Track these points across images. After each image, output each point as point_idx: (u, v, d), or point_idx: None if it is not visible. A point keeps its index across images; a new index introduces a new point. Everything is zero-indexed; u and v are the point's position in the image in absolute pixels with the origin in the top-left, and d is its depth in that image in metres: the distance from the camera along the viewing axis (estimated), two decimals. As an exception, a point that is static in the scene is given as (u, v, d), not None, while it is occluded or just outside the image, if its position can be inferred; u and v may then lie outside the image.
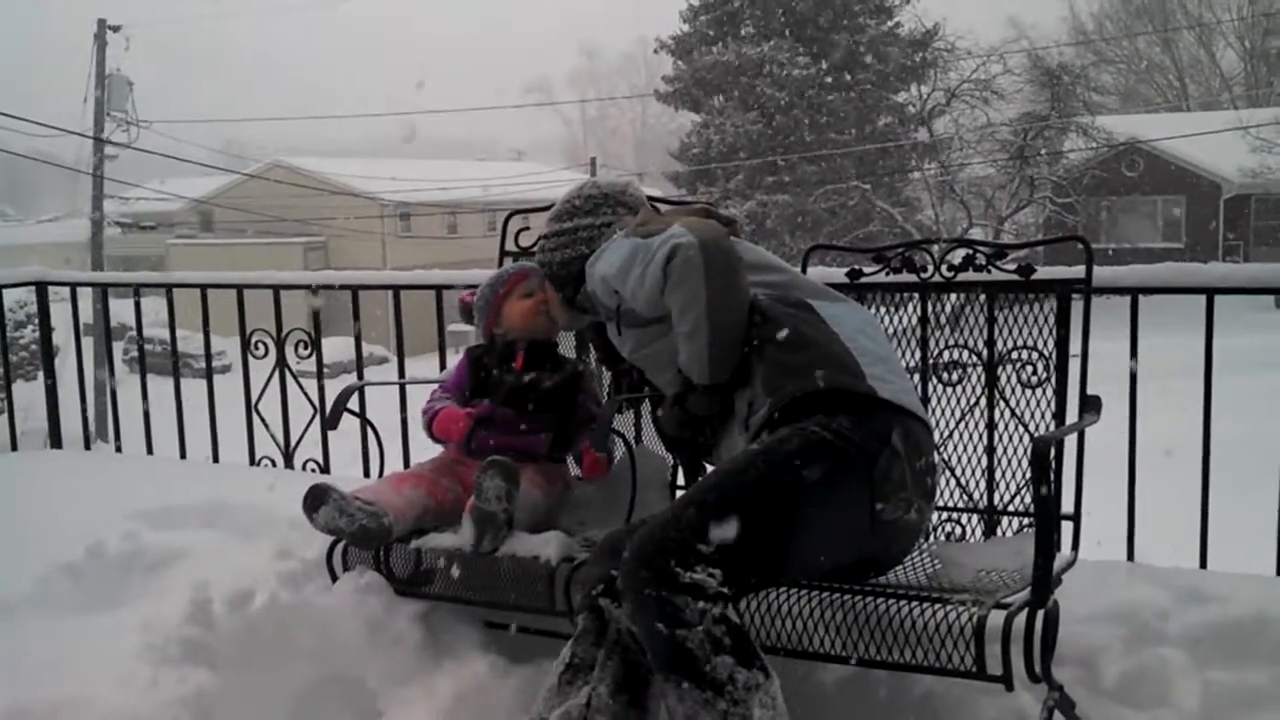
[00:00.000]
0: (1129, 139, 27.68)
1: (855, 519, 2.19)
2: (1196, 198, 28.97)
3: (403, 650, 2.65)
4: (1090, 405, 2.58)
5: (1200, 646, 2.48)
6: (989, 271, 2.72)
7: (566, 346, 3.16)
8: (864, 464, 2.18)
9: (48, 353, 5.15)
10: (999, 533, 2.78)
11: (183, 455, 4.60)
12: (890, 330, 2.87)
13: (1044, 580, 2.12)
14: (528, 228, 3.28)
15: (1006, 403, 2.75)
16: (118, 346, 6.49)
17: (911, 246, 2.88)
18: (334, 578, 2.78)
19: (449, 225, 33.31)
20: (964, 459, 2.79)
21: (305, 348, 4.20)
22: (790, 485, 2.12)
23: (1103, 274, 2.85)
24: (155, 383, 4.63)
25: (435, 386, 2.98)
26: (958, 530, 2.81)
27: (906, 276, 2.86)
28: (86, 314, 5.05)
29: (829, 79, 28.96)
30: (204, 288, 4.49)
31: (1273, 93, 35.93)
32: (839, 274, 2.99)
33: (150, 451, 4.76)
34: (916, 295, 2.91)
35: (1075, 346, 2.65)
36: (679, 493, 2.97)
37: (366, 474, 3.76)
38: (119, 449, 5.01)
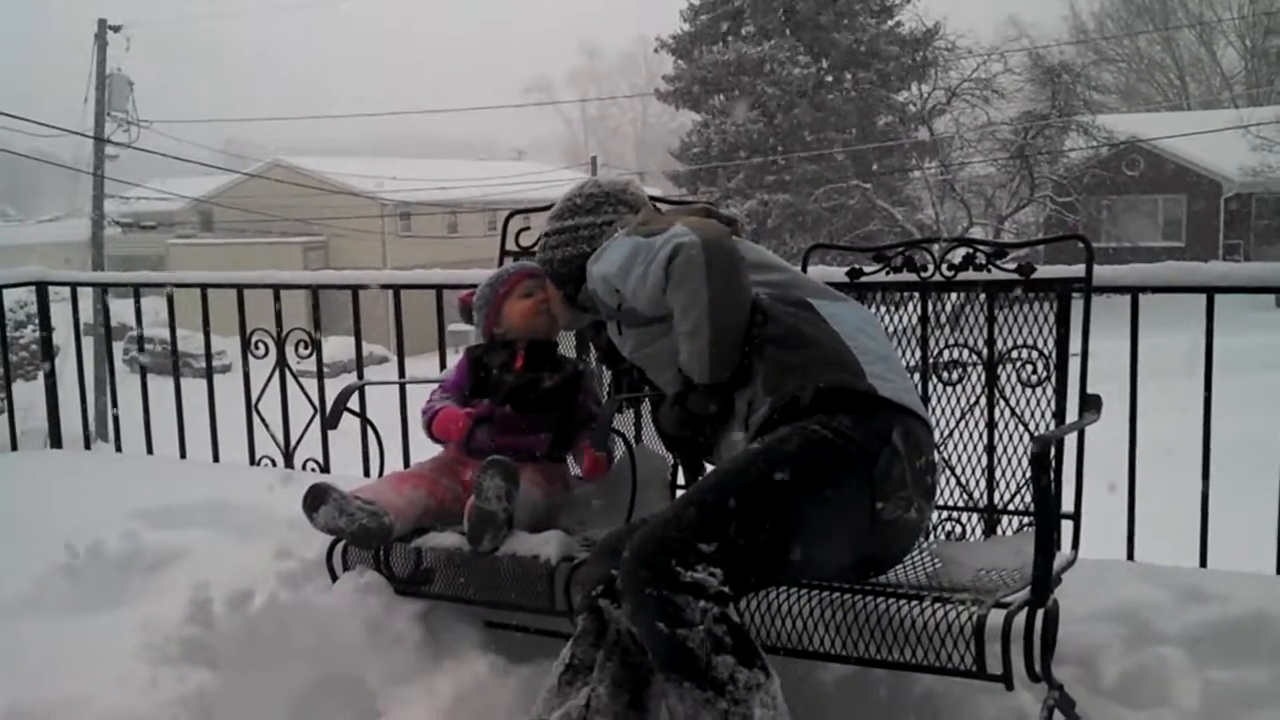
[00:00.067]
0: (1129, 138, 27.67)
1: (855, 518, 2.18)
2: (1197, 197, 28.96)
3: (403, 650, 2.65)
4: (1090, 404, 2.57)
5: (1200, 645, 2.48)
6: (989, 270, 2.72)
7: (567, 346, 3.16)
8: (864, 463, 2.18)
9: (48, 352, 5.15)
10: (999, 532, 2.78)
11: (183, 455, 4.61)
12: (890, 329, 2.87)
13: (1044, 579, 2.11)
14: (528, 227, 3.28)
15: (1006, 402, 2.74)
16: (117, 346, 6.49)
17: (912, 246, 2.88)
18: (334, 577, 2.78)
19: (449, 225, 33.32)
20: (964, 458, 2.79)
21: (305, 347, 4.20)
22: (791, 484, 2.12)
23: (1103, 273, 2.85)
24: (155, 382, 4.64)
25: (435, 386, 2.98)
26: (958, 529, 2.81)
27: (907, 276, 2.85)
28: (87, 314, 5.06)
29: (829, 78, 28.99)
30: (204, 287, 4.49)
31: (1273, 91, 35.92)
32: (839, 273, 2.99)
33: (150, 451, 4.76)
34: (917, 294, 2.91)
35: (1075, 345, 2.65)
36: (679, 492, 2.97)
37: (367, 474, 3.76)
38: (119, 449, 5.02)
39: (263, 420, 4.33)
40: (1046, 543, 2.10)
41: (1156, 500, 3.18)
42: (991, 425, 2.77)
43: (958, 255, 2.79)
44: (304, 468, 4.21)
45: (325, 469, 4.16)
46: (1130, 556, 3.07)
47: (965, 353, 2.84)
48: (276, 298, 4.32)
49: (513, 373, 2.87)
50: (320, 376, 4.20)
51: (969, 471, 2.79)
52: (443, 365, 3.46)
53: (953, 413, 2.82)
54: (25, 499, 3.92)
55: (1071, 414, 2.61)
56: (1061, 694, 2.27)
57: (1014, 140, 26.59)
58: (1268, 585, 2.80)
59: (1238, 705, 2.36)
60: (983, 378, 2.79)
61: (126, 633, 2.56)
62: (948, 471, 2.78)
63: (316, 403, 4.16)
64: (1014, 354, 2.73)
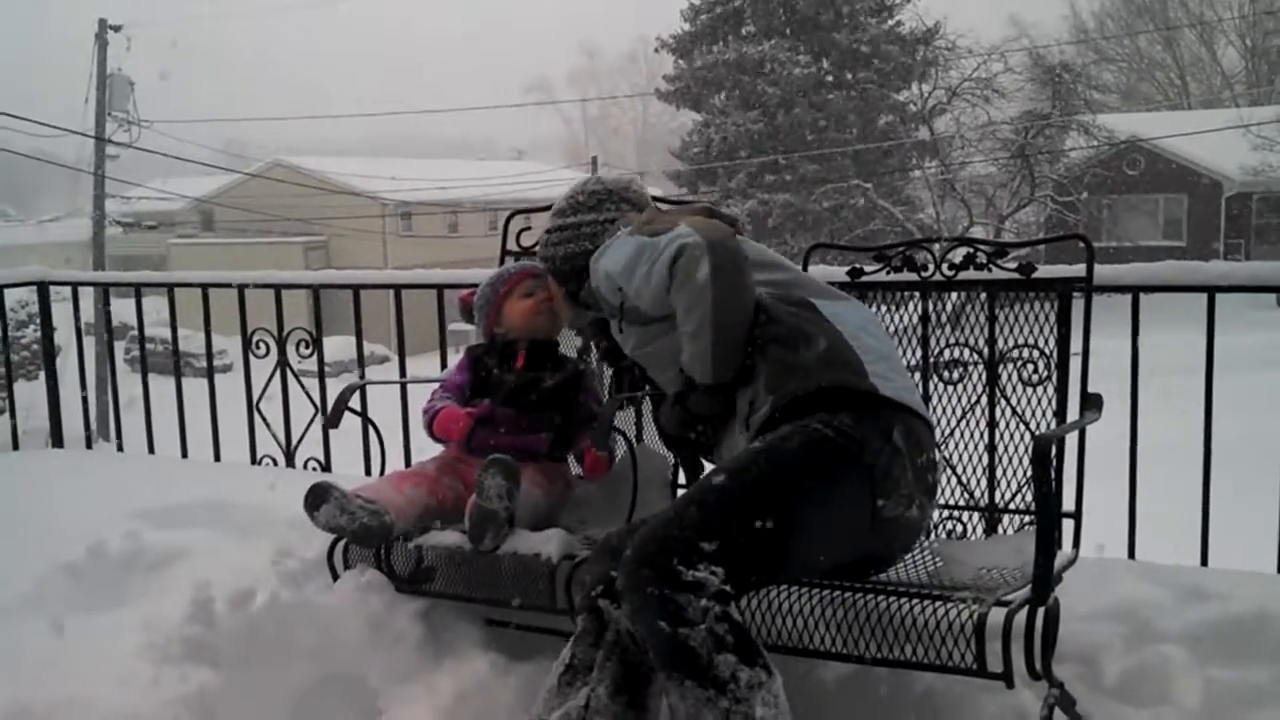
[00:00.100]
0: (1130, 137, 27.66)
1: (856, 516, 2.18)
2: (1198, 196, 28.95)
3: (404, 648, 2.65)
4: (1091, 403, 2.57)
5: (1201, 644, 2.48)
6: (990, 270, 2.72)
7: (568, 346, 3.16)
8: (865, 460, 2.18)
9: (49, 352, 5.15)
10: (1000, 530, 2.78)
11: (184, 454, 4.61)
12: (891, 329, 2.87)
13: (1045, 578, 2.12)
14: (529, 227, 3.28)
15: (1007, 401, 2.75)
16: (119, 346, 6.48)
17: (912, 245, 2.88)
18: (335, 576, 2.78)
19: (450, 224, 33.31)
20: (965, 457, 2.79)
21: (306, 347, 4.20)
22: (792, 483, 2.12)
23: (1104, 272, 2.85)
24: (157, 382, 4.64)
25: (436, 386, 2.98)
26: (959, 528, 2.81)
27: (907, 275, 2.86)
28: (88, 313, 5.06)
29: (830, 78, 28.99)
30: (205, 287, 4.49)
31: (1274, 90, 35.92)
32: (840, 273, 2.99)
33: (152, 451, 4.76)
34: (917, 294, 2.91)
35: (1076, 345, 2.65)
36: (680, 492, 2.97)
37: (368, 473, 3.76)
38: (120, 448, 5.02)
39: (264, 420, 4.34)
40: (1047, 541, 2.11)
41: (1157, 499, 3.18)
42: (992, 424, 2.77)
43: (958, 255, 2.79)
44: (305, 467, 4.22)
45: (326, 468, 4.16)
46: (1131, 555, 3.07)
47: (966, 352, 2.84)
48: (277, 297, 4.32)
49: (513, 372, 2.87)
50: (321, 376, 4.21)
51: (970, 470, 2.79)
52: (443, 365, 3.46)
53: (954, 412, 2.82)
54: (27, 499, 3.92)
55: (1072, 413, 2.61)
56: (1062, 692, 2.27)
57: (1014, 140, 26.58)
58: (1268, 584, 2.80)
59: (1238, 704, 2.36)
60: (984, 377, 2.80)
61: (128, 632, 2.56)
62: (949, 470, 2.78)
63: (317, 402, 4.16)
64: (1015, 353, 2.73)
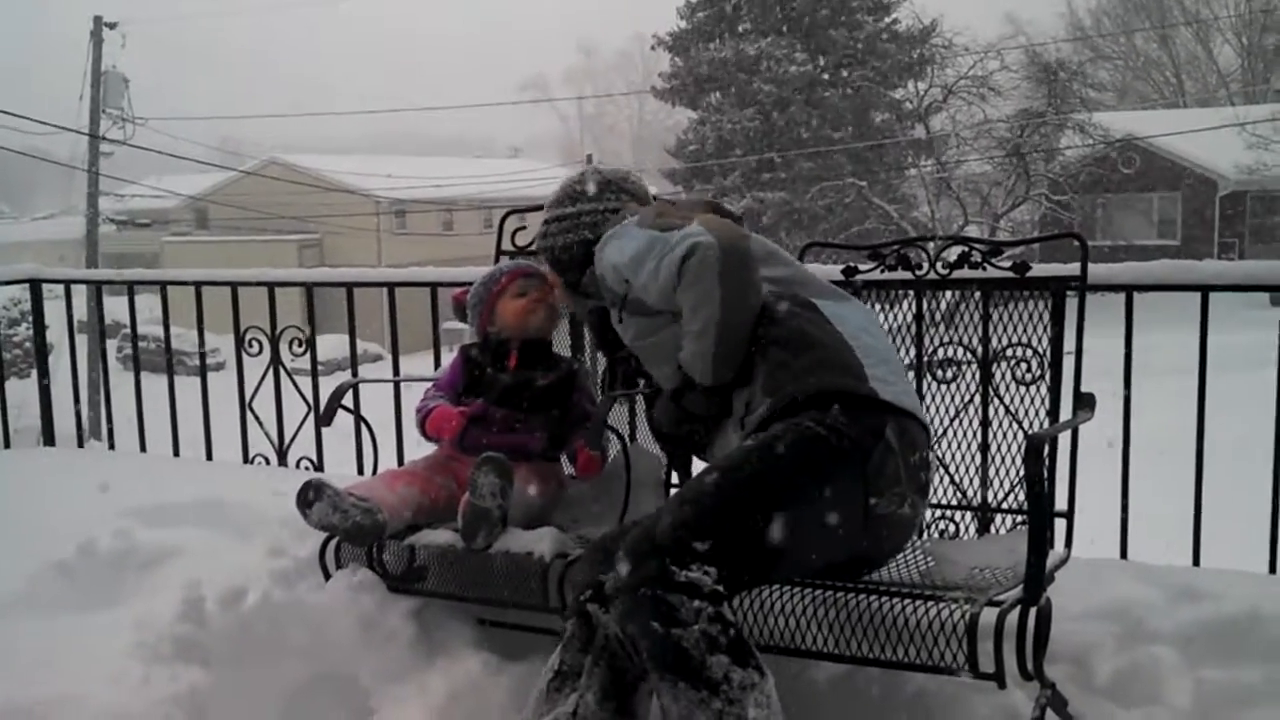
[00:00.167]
0: (1125, 135, 27.65)
1: (849, 513, 2.18)
2: (1192, 194, 28.98)
3: (396, 648, 2.65)
4: (1084, 403, 2.58)
5: (1193, 644, 2.48)
6: (984, 269, 2.72)
7: (561, 345, 3.15)
8: (858, 458, 2.18)
9: (42, 350, 5.13)
10: (992, 530, 2.78)
11: (176, 453, 4.60)
12: (885, 328, 2.87)
13: (1037, 578, 2.12)
14: (524, 227, 3.28)
15: (1001, 400, 2.75)
16: (111, 344, 6.47)
17: (907, 244, 2.88)
18: (327, 575, 2.77)
19: (444, 222, 33.25)
20: (958, 456, 2.79)
21: (299, 345, 4.20)
22: (785, 481, 2.12)
23: (1098, 271, 2.85)
24: (149, 380, 4.63)
25: (429, 384, 2.97)
26: (951, 527, 2.81)
27: (902, 274, 2.85)
28: (81, 311, 5.05)
29: (826, 75, 28.97)
30: (198, 285, 4.48)
31: (1269, 89, 35.90)
32: (835, 271, 2.98)
33: (144, 449, 4.75)
34: (911, 292, 2.91)
35: (1070, 343, 2.65)
36: (673, 491, 2.96)
37: (360, 471, 3.75)
38: (112, 446, 5.00)
39: (256, 418, 4.33)
40: (1040, 541, 2.11)
41: (1150, 498, 3.18)
42: (985, 423, 2.77)
43: (953, 253, 2.79)
44: (298, 465, 4.21)
45: (319, 467, 4.15)
46: (1124, 555, 3.07)
47: (960, 351, 2.84)
48: (271, 295, 4.31)
49: (507, 371, 2.86)
50: (314, 374, 4.20)
51: (963, 470, 2.79)
52: (437, 363, 3.46)
53: (947, 411, 2.82)
54: (18, 497, 3.90)
55: (1065, 412, 2.61)
56: (1054, 692, 2.27)
57: (1010, 138, 26.57)
58: (1261, 584, 2.80)
59: (1230, 704, 2.36)
60: (977, 376, 2.80)
61: (119, 631, 2.55)
62: (941, 469, 2.78)
63: (310, 400, 4.15)
64: (1008, 352, 2.73)
